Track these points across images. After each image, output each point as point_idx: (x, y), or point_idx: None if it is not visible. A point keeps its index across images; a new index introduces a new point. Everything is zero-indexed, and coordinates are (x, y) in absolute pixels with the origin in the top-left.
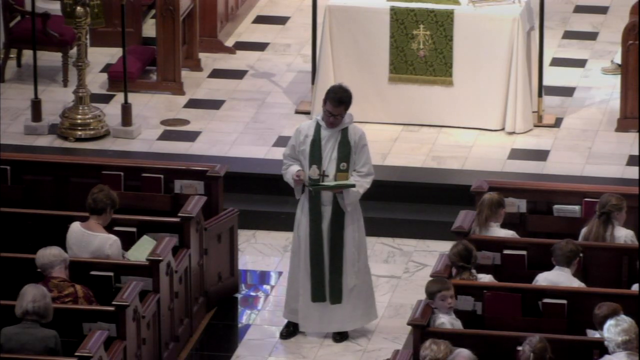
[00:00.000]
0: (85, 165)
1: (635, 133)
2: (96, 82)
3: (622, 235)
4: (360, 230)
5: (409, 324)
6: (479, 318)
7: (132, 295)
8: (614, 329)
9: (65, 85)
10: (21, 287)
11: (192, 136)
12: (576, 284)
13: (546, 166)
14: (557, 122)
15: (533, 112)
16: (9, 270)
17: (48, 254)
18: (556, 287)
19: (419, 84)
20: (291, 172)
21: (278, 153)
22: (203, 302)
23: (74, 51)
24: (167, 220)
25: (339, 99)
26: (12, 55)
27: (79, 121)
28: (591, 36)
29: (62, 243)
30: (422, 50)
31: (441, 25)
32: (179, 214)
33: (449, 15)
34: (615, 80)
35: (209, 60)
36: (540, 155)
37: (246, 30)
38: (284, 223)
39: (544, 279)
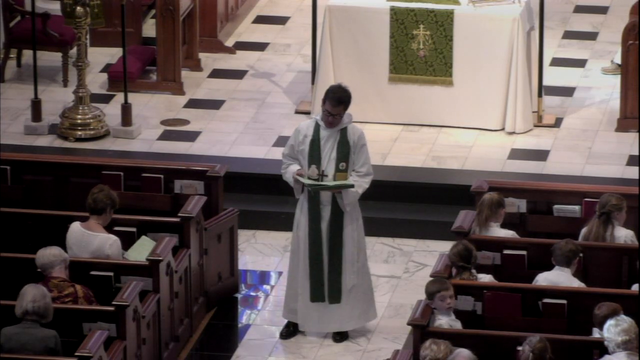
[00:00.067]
0: (85, 165)
1: (635, 133)
2: (96, 82)
3: (622, 235)
4: (359, 230)
5: (409, 324)
6: (479, 318)
7: (132, 295)
8: (614, 329)
9: (65, 85)
10: (21, 287)
11: (192, 136)
12: (576, 284)
13: (546, 166)
14: (557, 122)
15: (533, 112)
16: (9, 270)
17: (48, 254)
18: (556, 287)
19: (419, 84)
20: (291, 171)
21: (278, 153)
22: (203, 302)
23: (74, 51)
24: (167, 220)
25: (338, 99)
26: (12, 55)
27: (79, 121)
28: (591, 36)
29: (62, 243)
30: (422, 50)
31: (441, 25)
32: (179, 214)
33: (449, 15)
34: (615, 80)
35: (209, 60)
36: (540, 155)
37: (246, 30)
38: (284, 223)
39: (544, 279)
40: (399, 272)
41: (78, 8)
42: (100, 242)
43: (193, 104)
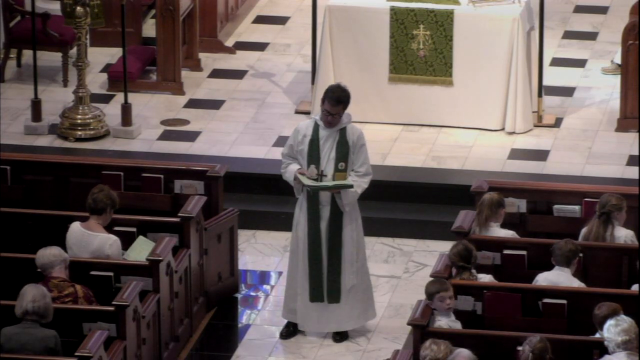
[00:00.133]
0: (85, 165)
1: (635, 133)
2: (96, 82)
3: (622, 235)
4: (358, 230)
5: (409, 324)
6: (479, 318)
7: (132, 295)
8: (614, 329)
9: (65, 85)
10: (21, 287)
11: (192, 136)
12: (576, 284)
13: (546, 166)
14: (557, 122)
15: (533, 112)
16: (9, 270)
17: (48, 254)
18: (556, 287)
19: (419, 84)
20: (291, 170)
21: (278, 153)
22: (203, 302)
23: (74, 51)
24: (167, 220)
25: (337, 98)
26: (12, 55)
27: (79, 121)
28: (591, 36)
29: (62, 243)
30: (422, 50)
31: (441, 25)
32: (179, 214)
33: (449, 15)
34: (615, 80)
35: (209, 60)
36: (540, 155)
37: (246, 30)
38: (284, 223)
39: (544, 279)
40: (399, 272)
41: (78, 8)
42: (100, 242)
43: (193, 104)
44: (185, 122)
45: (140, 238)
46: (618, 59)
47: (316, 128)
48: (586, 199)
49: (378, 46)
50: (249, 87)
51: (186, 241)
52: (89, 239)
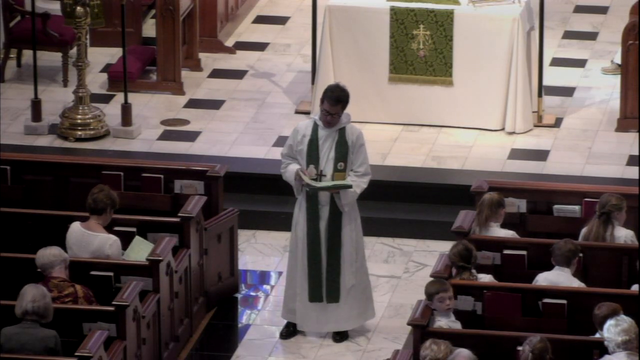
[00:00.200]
0: (85, 165)
1: (635, 133)
2: (96, 82)
3: (622, 235)
4: (357, 230)
5: (409, 324)
6: (479, 318)
7: (132, 295)
8: (614, 329)
9: (65, 85)
10: (21, 287)
11: (192, 136)
12: (576, 284)
13: (546, 166)
14: (557, 122)
15: (533, 112)
16: (9, 270)
17: (48, 254)
18: (556, 287)
19: (419, 84)
20: (291, 170)
21: (278, 153)
22: (203, 302)
23: (74, 51)
24: (167, 220)
25: (336, 98)
26: (12, 55)
27: (79, 121)
28: (591, 36)
29: (62, 243)
30: (422, 50)
31: (441, 25)
32: (179, 214)
33: (449, 15)
34: (615, 80)
35: (209, 60)
36: (540, 155)
37: (246, 30)
38: (284, 223)
39: (544, 279)
40: (399, 272)
41: (78, 8)
42: (101, 242)
43: (193, 104)
44: (185, 122)
45: (137, 238)
46: (618, 59)
47: (315, 128)
48: (586, 199)
49: (378, 46)
50: (249, 87)
51: (186, 241)
52: (89, 239)
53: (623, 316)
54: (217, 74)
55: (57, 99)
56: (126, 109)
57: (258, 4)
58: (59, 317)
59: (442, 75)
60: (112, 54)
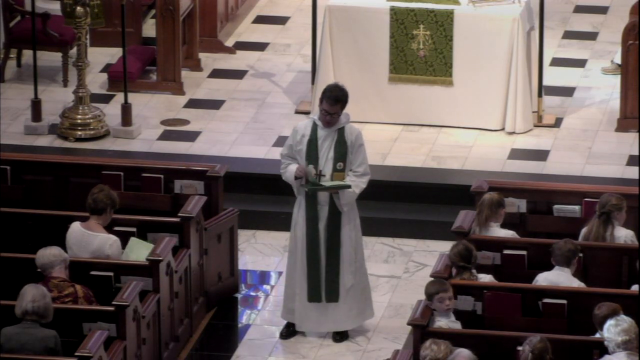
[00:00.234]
0: (85, 165)
1: (635, 133)
2: (96, 82)
3: (622, 235)
4: (356, 230)
5: (409, 324)
6: (479, 318)
7: (132, 295)
8: (614, 329)
9: (65, 85)
10: (21, 287)
11: (192, 136)
12: (576, 284)
13: (546, 166)
14: (557, 122)
15: (533, 112)
16: (9, 270)
17: (48, 254)
18: (556, 287)
19: (419, 84)
20: (290, 170)
21: (278, 153)
22: (203, 302)
23: (74, 51)
24: (167, 220)
25: (335, 98)
26: (12, 55)
27: (79, 121)
28: (591, 36)
29: (62, 243)
30: (422, 50)
31: (441, 25)
32: (179, 214)
33: (449, 15)
34: (615, 80)
35: (209, 60)
36: (540, 155)
37: (246, 30)
38: (284, 223)
39: (544, 279)
40: (399, 272)
41: (78, 8)
42: (101, 242)
43: (193, 104)
44: (185, 122)
45: (132, 239)
46: (618, 59)
47: (314, 128)
48: (586, 199)
49: (378, 46)
50: (249, 87)
51: (186, 241)
52: (89, 239)
53: (623, 316)
54: (217, 74)
55: (57, 99)
56: (126, 109)
57: (258, 4)
58: (59, 317)
59: (442, 75)
60: (112, 54)
